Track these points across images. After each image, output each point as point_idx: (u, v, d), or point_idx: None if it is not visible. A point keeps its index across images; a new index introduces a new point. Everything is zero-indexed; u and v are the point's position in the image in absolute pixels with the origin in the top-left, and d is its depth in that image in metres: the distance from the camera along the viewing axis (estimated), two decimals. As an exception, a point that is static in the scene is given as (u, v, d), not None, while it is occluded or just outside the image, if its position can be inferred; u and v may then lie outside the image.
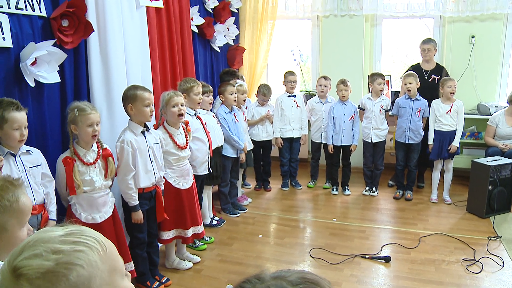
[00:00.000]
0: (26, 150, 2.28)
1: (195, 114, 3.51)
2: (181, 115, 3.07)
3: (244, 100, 4.49)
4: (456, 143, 4.34)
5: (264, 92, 4.76)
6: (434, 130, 4.42)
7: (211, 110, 3.94)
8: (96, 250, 0.77)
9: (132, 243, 2.90)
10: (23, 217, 1.24)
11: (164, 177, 3.08)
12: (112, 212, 2.66)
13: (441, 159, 4.45)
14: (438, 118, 4.38)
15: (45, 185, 2.37)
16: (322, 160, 5.08)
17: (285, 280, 0.75)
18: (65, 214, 2.54)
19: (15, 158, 2.22)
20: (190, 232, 3.23)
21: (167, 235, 3.16)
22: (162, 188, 3.02)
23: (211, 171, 3.65)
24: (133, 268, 2.81)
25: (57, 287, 0.71)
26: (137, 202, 2.77)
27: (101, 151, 2.59)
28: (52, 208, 2.40)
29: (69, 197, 2.51)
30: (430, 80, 4.74)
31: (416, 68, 4.81)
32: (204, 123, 3.57)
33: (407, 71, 4.76)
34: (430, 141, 4.43)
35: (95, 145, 2.58)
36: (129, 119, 2.79)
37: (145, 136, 2.81)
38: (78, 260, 0.74)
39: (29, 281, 0.71)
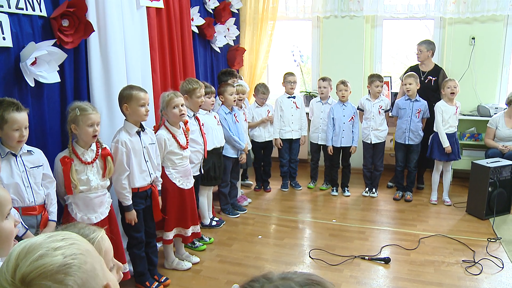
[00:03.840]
0: (27, 150, 2.28)
1: (194, 115, 3.51)
2: (183, 115, 3.08)
3: (240, 100, 4.43)
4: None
5: (263, 91, 4.76)
6: None
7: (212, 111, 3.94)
8: (85, 242, 0.84)
9: (129, 243, 2.90)
10: (1, 209, 1.23)
11: (168, 178, 3.10)
12: (109, 213, 2.65)
13: (442, 161, 4.45)
14: (446, 120, 4.32)
15: (46, 186, 2.36)
16: (321, 161, 5.08)
17: (293, 281, 0.78)
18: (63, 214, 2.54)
19: (16, 158, 2.21)
20: (190, 231, 3.25)
21: (171, 235, 3.18)
22: (159, 188, 3.01)
23: (202, 172, 3.64)
24: (127, 270, 2.80)
25: (74, 277, 0.76)
26: (130, 202, 2.77)
27: (100, 150, 2.59)
28: (53, 209, 2.38)
29: (65, 197, 2.51)
30: (426, 81, 4.75)
31: (414, 69, 4.82)
32: (201, 125, 3.56)
33: (406, 72, 4.78)
34: (446, 143, 4.28)
35: (94, 145, 2.58)
36: (125, 119, 2.80)
37: (140, 136, 2.81)
38: (79, 250, 0.80)
39: (47, 278, 0.74)
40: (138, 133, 2.80)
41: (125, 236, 2.96)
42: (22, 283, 0.74)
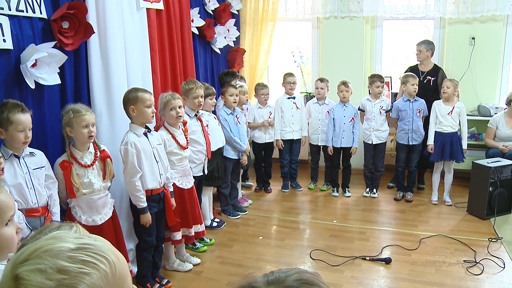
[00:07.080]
0: (29, 152, 2.29)
1: (195, 115, 3.51)
2: (180, 117, 3.09)
3: (247, 100, 4.49)
4: (464, 145, 4.33)
5: (261, 87, 4.77)
6: (435, 131, 4.41)
7: (213, 112, 3.94)
8: (104, 273, 0.72)
9: (139, 246, 2.90)
10: (1, 215, 1.21)
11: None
12: (112, 213, 2.65)
13: (442, 161, 4.45)
14: (439, 119, 4.38)
15: (48, 187, 2.37)
16: (322, 162, 5.08)
17: (282, 286, 0.72)
18: (64, 216, 2.54)
19: (19, 160, 2.22)
20: (192, 231, 3.26)
21: (178, 235, 3.18)
22: (171, 190, 3.01)
23: (206, 172, 3.64)
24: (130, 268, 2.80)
25: None
26: (145, 204, 2.75)
27: (98, 152, 2.58)
28: (56, 210, 2.39)
29: (68, 200, 2.51)
30: (425, 81, 4.76)
31: (413, 69, 4.84)
32: (205, 125, 3.56)
33: (405, 72, 4.78)
34: (430, 141, 4.41)
35: (92, 147, 2.57)
36: (130, 122, 2.79)
37: (147, 137, 2.81)
38: (81, 284, 0.69)
39: None
40: (145, 134, 2.80)
41: (129, 237, 2.96)
42: (13, 280, 0.70)
